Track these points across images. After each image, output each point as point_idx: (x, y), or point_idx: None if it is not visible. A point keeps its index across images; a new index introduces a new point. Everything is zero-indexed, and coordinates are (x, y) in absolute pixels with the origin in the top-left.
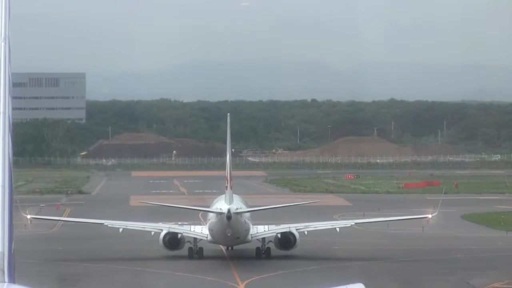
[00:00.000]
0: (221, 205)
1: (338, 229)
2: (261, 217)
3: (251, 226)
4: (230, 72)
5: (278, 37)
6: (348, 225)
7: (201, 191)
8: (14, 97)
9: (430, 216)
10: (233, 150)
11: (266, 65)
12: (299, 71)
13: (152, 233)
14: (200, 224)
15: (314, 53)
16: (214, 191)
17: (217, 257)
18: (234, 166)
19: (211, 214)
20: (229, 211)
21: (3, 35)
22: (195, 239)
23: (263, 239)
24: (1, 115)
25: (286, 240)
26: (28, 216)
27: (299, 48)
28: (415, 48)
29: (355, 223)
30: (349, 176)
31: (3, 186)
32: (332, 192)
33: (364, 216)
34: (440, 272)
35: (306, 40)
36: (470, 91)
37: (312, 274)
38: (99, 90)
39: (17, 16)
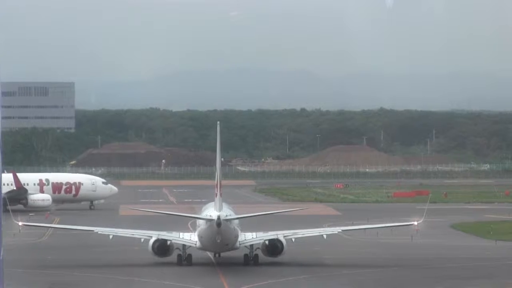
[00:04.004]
0: (211, 212)
1: (325, 236)
2: (249, 226)
3: (239, 233)
4: (219, 81)
5: (267, 46)
6: (335, 232)
7: (190, 200)
8: (3, 106)
9: (416, 223)
10: (222, 159)
11: (255, 74)
12: (288, 80)
13: (142, 240)
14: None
15: (303, 62)
16: (204, 200)
17: (206, 264)
18: (223, 175)
19: (200, 221)
20: (219, 218)
21: None
22: (184, 246)
23: (251, 246)
24: None
25: (274, 247)
26: (20, 223)
27: (288, 57)
28: (403, 58)
29: (342, 230)
30: (338, 185)
31: None
32: (321, 201)
33: (353, 226)
34: (429, 281)
35: (295, 49)
36: (459, 101)
37: (302, 283)
38: (88, 99)
39: (6, 25)
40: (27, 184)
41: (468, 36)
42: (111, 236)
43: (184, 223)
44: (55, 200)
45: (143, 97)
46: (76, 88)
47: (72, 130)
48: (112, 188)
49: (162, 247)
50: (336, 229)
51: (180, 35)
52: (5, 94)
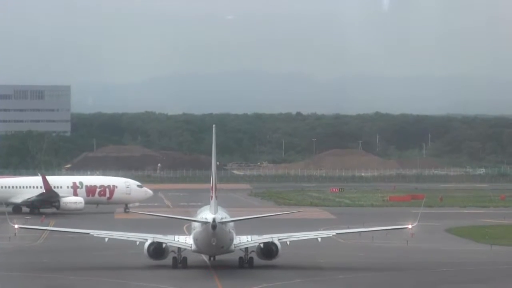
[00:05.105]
0: (206, 214)
1: (319, 239)
2: (244, 229)
3: (234, 236)
4: (215, 85)
5: (263, 50)
6: (329, 235)
7: (185, 204)
8: None
9: (410, 226)
10: (218, 163)
11: (251, 77)
12: (284, 84)
13: (137, 242)
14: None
15: (299, 65)
16: (199, 203)
17: (201, 267)
18: (219, 179)
19: (196, 224)
20: (214, 220)
21: None
22: (179, 248)
23: (246, 249)
24: None
25: (268, 250)
26: (16, 226)
27: (284, 61)
28: (399, 62)
29: (336, 233)
30: (334, 189)
31: None
32: (316, 205)
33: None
34: (424, 285)
35: (291, 53)
36: (454, 105)
37: (297, 287)
38: (84, 103)
39: (2, 28)
40: (60, 187)
41: (464, 40)
42: (106, 239)
43: (179, 226)
44: (88, 203)
45: (139, 101)
46: (71, 91)
47: (68, 134)
48: (147, 191)
49: (157, 250)
50: (330, 233)
51: (176, 38)
52: (0, 97)
